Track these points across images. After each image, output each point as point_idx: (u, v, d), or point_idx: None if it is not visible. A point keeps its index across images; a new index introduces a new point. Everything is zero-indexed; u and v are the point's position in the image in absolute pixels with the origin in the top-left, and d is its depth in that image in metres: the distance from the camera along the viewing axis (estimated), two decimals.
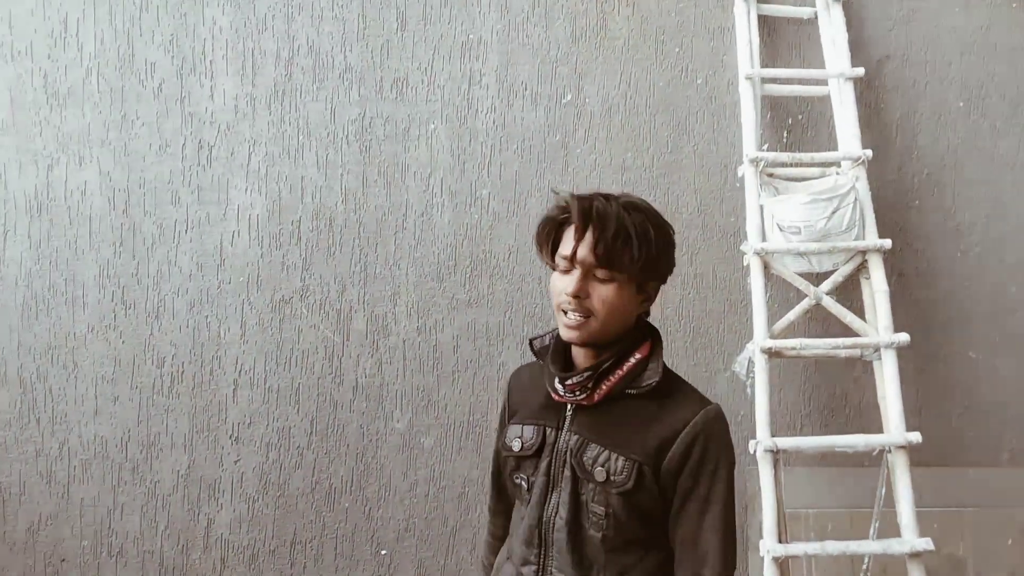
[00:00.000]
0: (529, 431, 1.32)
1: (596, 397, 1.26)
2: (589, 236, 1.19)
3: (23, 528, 2.44)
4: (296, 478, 2.49)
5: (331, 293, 2.52)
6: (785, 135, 2.59)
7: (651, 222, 1.23)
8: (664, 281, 1.30)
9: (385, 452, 2.49)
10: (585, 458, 1.25)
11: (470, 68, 2.57)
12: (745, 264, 2.37)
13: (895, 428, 2.16)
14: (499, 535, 1.52)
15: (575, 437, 1.26)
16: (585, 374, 1.24)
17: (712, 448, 1.22)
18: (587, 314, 1.21)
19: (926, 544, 2.03)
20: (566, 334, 1.24)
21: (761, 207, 2.33)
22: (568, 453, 1.26)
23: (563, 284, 1.22)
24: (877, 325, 2.26)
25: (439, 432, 2.49)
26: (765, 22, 2.58)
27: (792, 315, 2.29)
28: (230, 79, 2.53)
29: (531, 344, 1.37)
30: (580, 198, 1.22)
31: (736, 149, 2.55)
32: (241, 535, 2.48)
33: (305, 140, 2.54)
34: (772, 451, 2.11)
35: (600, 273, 1.21)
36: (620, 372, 1.25)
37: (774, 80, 2.51)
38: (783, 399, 2.55)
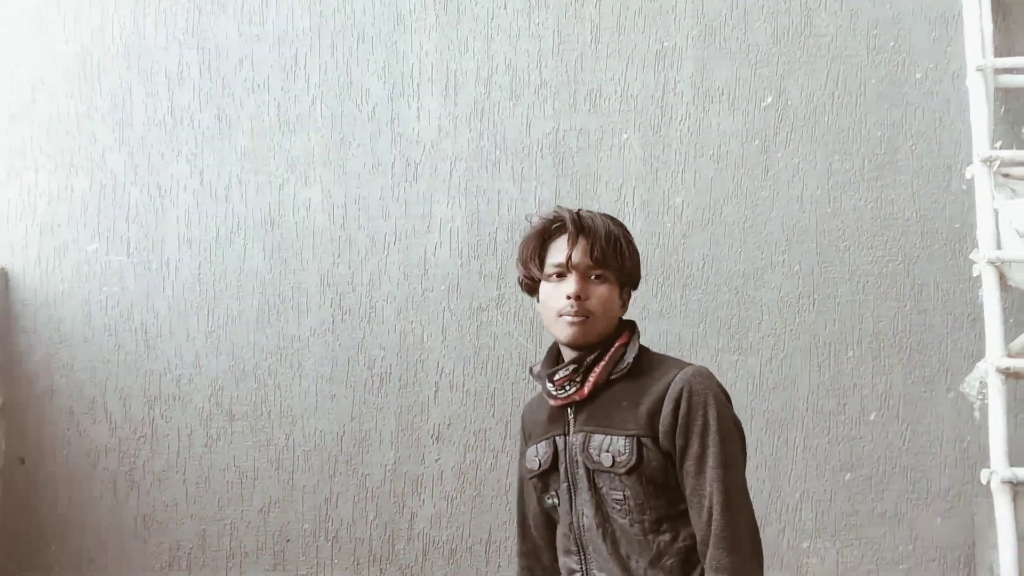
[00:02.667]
0: (543, 447, 1.39)
1: (587, 389, 1.32)
2: (583, 241, 1.31)
3: (256, 508, 2.74)
4: (491, 479, 2.59)
5: (525, 301, 2.60)
6: (1023, 131, 2.32)
7: (627, 231, 1.38)
8: (636, 288, 1.42)
9: None
10: (591, 449, 1.31)
11: (664, 76, 2.55)
12: (975, 274, 2.15)
13: None
14: (528, 567, 1.52)
15: (580, 435, 1.33)
16: (571, 367, 1.32)
17: (696, 403, 1.27)
18: (587, 314, 1.30)
19: None
20: (568, 333, 1.31)
21: (995, 211, 2.11)
22: (577, 451, 1.33)
23: (561, 290, 1.31)
24: None
25: None
26: (1000, 6, 2.34)
27: None
28: (434, 100, 2.70)
29: (531, 371, 1.44)
30: (568, 210, 1.34)
31: (961, 148, 2.32)
32: (441, 530, 2.62)
33: (502, 155, 2.65)
34: (1011, 483, 1.90)
35: (594, 275, 1.32)
36: (603, 362, 1.33)
37: (1010, 70, 2.26)
38: (1019, 425, 2.27)
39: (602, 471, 1.30)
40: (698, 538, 1.26)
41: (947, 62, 2.36)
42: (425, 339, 2.66)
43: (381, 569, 2.65)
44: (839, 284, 2.40)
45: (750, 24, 2.50)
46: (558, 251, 1.34)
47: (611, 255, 1.32)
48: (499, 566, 2.57)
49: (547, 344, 2.53)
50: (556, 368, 1.35)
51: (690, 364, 1.34)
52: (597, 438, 1.31)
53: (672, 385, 1.28)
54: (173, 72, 2.83)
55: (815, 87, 2.45)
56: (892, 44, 2.41)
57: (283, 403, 2.75)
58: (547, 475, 1.38)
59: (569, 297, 1.30)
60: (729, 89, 2.50)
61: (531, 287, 1.41)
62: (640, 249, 2.48)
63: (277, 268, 2.77)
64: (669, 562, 1.28)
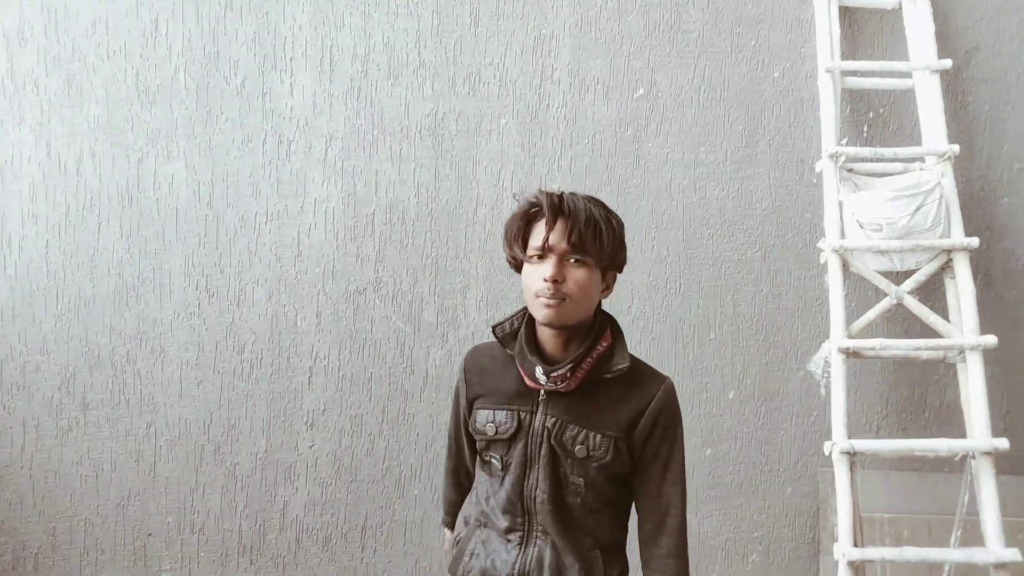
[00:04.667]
0: (503, 415, 1.44)
1: (573, 384, 1.38)
2: (561, 225, 1.33)
3: (114, 503, 2.58)
4: (368, 464, 2.56)
5: (403, 285, 2.57)
6: (866, 129, 2.52)
7: (611, 215, 1.38)
8: (621, 271, 1.44)
9: None
10: (565, 438, 1.40)
11: (542, 63, 2.58)
12: (822, 261, 2.32)
13: (980, 433, 2.09)
14: (454, 497, 1.68)
15: (552, 419, 1.40)
16: (568, 366, 1.37)
17: (671, 418, 1.41)
18: (563, 297, 1.33)
19: (1013, 555, 1.96)
20: (544, 314, 1.35)
21: (840, 203, 2.27)
22: (545, 434, 1.41)
23: (540, 272, 1.34)
24: (962, 326, 2.18)
25: None
26: (846, 13, 2.51)
27: (871, 314, 2.23)
28: (309, 75, 2.60)
29: (495, 331, 1.46)
30: (549, 193, 1.35)
31: (813, 144, 2.49)
32: (315, 518, 2.56)
33: (379, 135, 2.59)
34: (849, 453, 2.07)
35: (573, 259, 1.34)
36: (591, 360, 1.39)
37: (855, 73, 2.44)
38: (859, 401, 2.49)
39: (571, 458, 1.40)
40: (645, 530, 1.44)
41: (801, 63, 2.52)
42: (299, 323, 2.58)
43: (251, 560, 2.57)
44: (703, 270, 2.53)
45: (624, 16, 2.57)
46: (538, 234, 1.35)
47: (589, 240, 1.33)
48: (375, 551, 2.55)
49: (443, 326, 2.53)
50: (555, 367, 1.37)
51: (663, 376, 1.43)
52: (573, 429, 1.39)
53: (655, 401, 1.40)
54: (12, 31, 2.58)
55: (683, 80, 2.55)
56: (753, 43, 2.54)
57: (143, 391, 2.59)
58: (498, 441, 1.44)
59: (546, 280, 1.33)
60: (604, 79, 2.56)
61: (517, 266, 1.42)
62: None
63: (136, 247, 2.60)
64: (604, 535, 1.45)
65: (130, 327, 2.59)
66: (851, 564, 1.99)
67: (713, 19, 2.55)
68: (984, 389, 2.12)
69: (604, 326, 1.42)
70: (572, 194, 1.37)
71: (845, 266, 2.24)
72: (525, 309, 1.45)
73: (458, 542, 1.54)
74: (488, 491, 1.49)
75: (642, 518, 1.45)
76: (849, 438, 2.11)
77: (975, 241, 2.21)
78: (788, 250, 2.51)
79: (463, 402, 1.53)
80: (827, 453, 2.12)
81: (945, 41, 2.47)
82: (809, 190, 2.50)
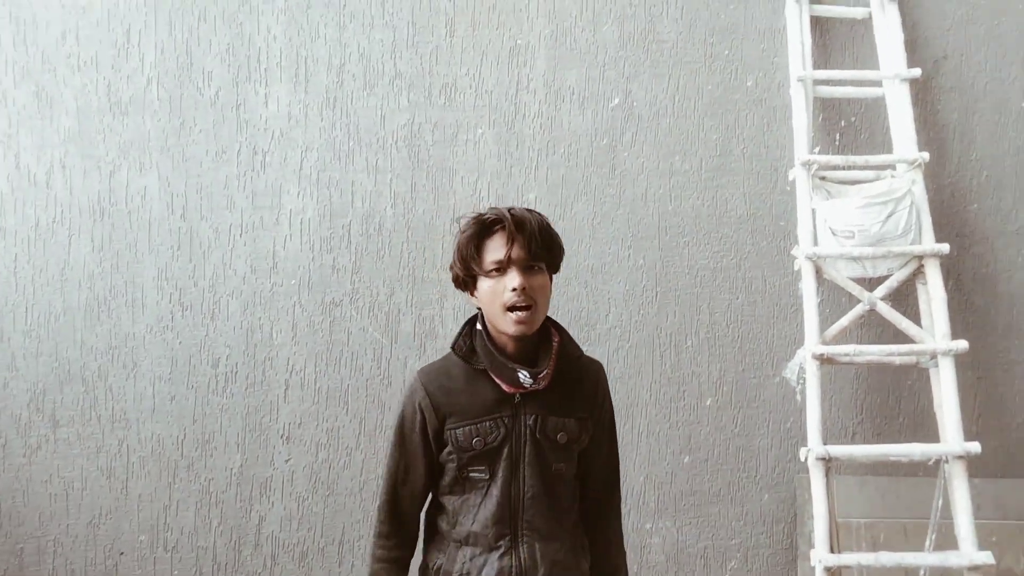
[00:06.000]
0: (487, 427, 1.47)
1: (547, 380, 1.46)
2: (520, 237, 1.40)
3: (84, 522, 2.53)
4: (345, 478, 2.53)
5: (380, 296, 2.56)
6: (838, 138, 2.55)
7: (551, 225, 1.48)
8: (557, 272, 1.52)
9: None
10: (548, 430, 1.47)
11: (518, 73, 2.59)
12: (796, 269, 2.34)
13: (953, 437, 2.11)
14: (394, 557, 1.54)
15: (531, 416, 1.47)
16: (549, 364, 1.46)
17: (608, 393, 1.57)
18: (531, 304, 1.41)
19: (986, 558, 1.98)
20: (517, 328, 1.42)
21: (813, 211, 2.30)
22: (528, 432, 1.47)
23: (504, 284, 1.41)
24: (934, 331, 2.21)
25: None
26: (817, 23, 2.55)
27: (845, 321, 2.25)
28: (284, 86, 2.59)
29: (455, 350, 1.50)
30: (505, 210, 1.43)
31: (787, 152, 2.52)
32: (291, 533, 2.53)
33: (356, 146, 2.58)
34: (824, 459, 2.08)
35: (533, 267, 1.42)
36: (554, 356, 1.47)
37: (827, 82, 2.47)
38: (834, 407, 2.50)
39: (555, 447, 1.48)
40: (597, 494, 1.57)
41: (774, 72, 2.55)
42: (274, 336, 2.56)
43: None
44: (679, 278, 2.54)
45: (599, 27, 2.58)
46: (496, 248, 1.42)
47: (545, 248, 1.43)
48: (353, 566, 2.52)
49: (421, 337, 2.51)
50: (539, 369, 1.45)
51: (590, 356, 1.57)
52: (552, 420, 1.48)
53: (600, 377, 1.56)
54: None
55: (658, 90, 2.57)
56: (727, 53, 2.57)
57: (115, 407, 2.55)
58: (485, 453, 1.47)
59: (515, 289, 1.39)
60: (579, 88, 2.57)
61: (465, 283, 1.48)
62: None
63: (108, 261, 2.56)
64: (574, 515, 1.55)
65: (102, 342, 2.55)
66: (828, 570, 2.00)
67: (687, 29, 2.57)
68: (956, 393, 2.14)
69: (546, 325, 1.51)
70: (510, 208, 1.45)
71: (819, 273, 2.26)
72: (470, 323, 1.51)
73: (438, 570, 1.52)
74: (468, 507, 1.49)
75: (592, 484, 1.56)
76: (824, 444, 2.12)
77: (945, 247, 2.24)
78: (763, 257, 2.53)
79: (430, 428, 1.50)
80: (803, 459, 2.13)
81: (914, 50, 2.51)
82: (783, 198, 2.52)
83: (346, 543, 2.52)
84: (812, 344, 2.20)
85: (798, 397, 2.49)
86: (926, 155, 2.31)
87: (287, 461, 2.54)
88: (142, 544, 2.53)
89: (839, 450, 2.10)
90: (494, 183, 2.57)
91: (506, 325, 1.42)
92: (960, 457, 2.07)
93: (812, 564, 2.03)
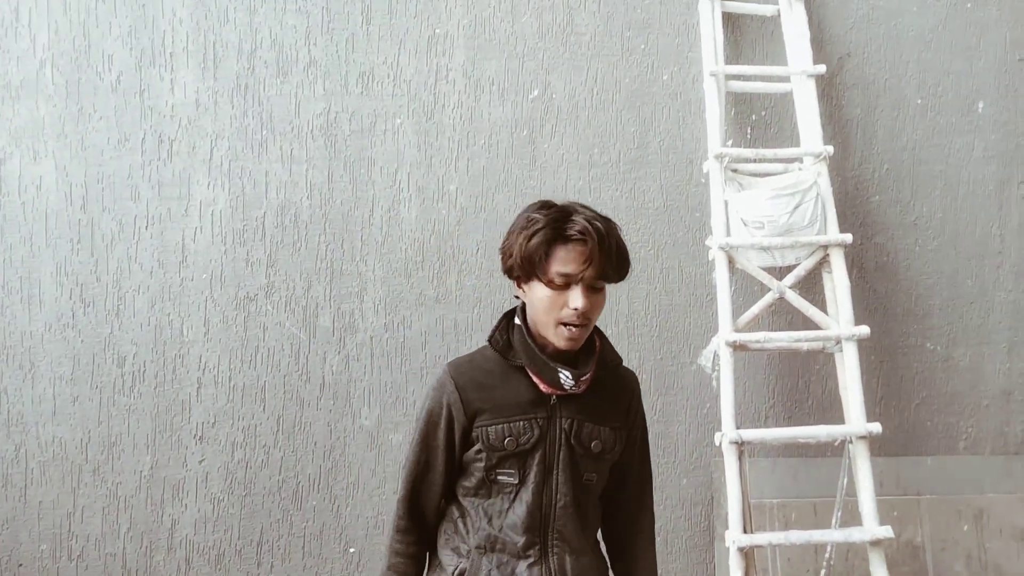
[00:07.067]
0: (520, 427, 1.41)
1: (586, 385, 1.41)
2: (599, 257, 1.32)
3: None
4: (263, 477, 2.46)
5: (297, 290, 2.49)
6: (749, 131, 2.62)
7: (622, 238, 1.40)
8: None
9: (353, 449, 2.48)
10: (583, 437, 1.42)
11: (436, 63, 2.55)
12: (710, 259, 2.40)
13: (856, 419, 2.21)
14: (412, 552, 1.49)
15: (567, 421, 1.41)
16: (591, 367, 1.41)
17: (642, 406, 1.54)
18: (586, 323, 1.36)
19: (886, 532, 2.08)
20: (567, 344, 1.36)
21: (726, 202, 2.36)
22: (563, 437, 1.41)
23: (564, 300, 1.34)
24: (838, 318, 2.31)
25: (408, 428, 2.48)
26: (729, 19, 2.61)
27: (756, 309, 2.32)
28: (191, 72, 2.48)
29: (492, 344, 1.44)
30: (588, 221, 1.33)
31: (701, 145, 2.57)
32: (206, 536, 2.44)
33: (269, 135, 2.50)
34: (737, 443, 2.15)
35: (597, 285, 1.36)
36: (594, 360, 1.42)
37: (738, 77, 2.53)
38: (747, 392, 2.58)
39: (588, 455, 1.42)
40: (630, 509, 1.53)
41: (688, 66, 2.60)
42: (185, 332, 2.46)
43: None
44: None
45: (517, 17, 2.58)
46: (568, 261, 1.33)
47: (615, 271, 1.37)
48: (272, 567, 2.45)
49: (340, 331, 2.44)
50: (582, 371, 1.40)
51: (627, 367, 1.53)
52: (588, 427, 1.42)
53: (635, 388, 1.51)
54: None
55: (577, 83, 2.58)
56: (643, 47, 2.60)
57: (11, 409, 2.40)
58: (516, 455, 1.41)
59: (576, 308, 1.33)
60: (499, 79, 2.56)
61: (516, 276, 1.39)
62: (416, 236, 2.52)
63: (1, 255, 2.41)
64: (596, 534, 1.52)
65: None
66: (741, 550, 2.07)
67: (604, 22, 2.59)
68: (859, 377, 2.24)
69: None
70: (594, 216, 1.36)
71: (731, 263, 2.33)
72: (507, 318, 1.46)
73: (461, 574, 1.43)
74: (493, 511, 1.43)
75: (623, 500, 1.53)
76: (738, 428, 2.19)
77: (849, 237, 2.34)
78: (679, 248, 2.58)
79: (458, 425, 1.43)
80: (717, 443, 2.19)
81: (820, 48, 2.61)
82: (698, 190, 2.58)
83: (264, 544, 2.46)
84: (726, 332, 2.26)
85: (714, 383, 2.55)
86: (831, 149, 2.40)
87: (201, 462, 2.45)
88: (43, 553, 2.40)
89: (751, 434, 2.17)
90: (414, 173, 2.54)
91: (556, 338, 1.36)
92: (863, 437, 2.17)
93: (727, 544, 2.10)
